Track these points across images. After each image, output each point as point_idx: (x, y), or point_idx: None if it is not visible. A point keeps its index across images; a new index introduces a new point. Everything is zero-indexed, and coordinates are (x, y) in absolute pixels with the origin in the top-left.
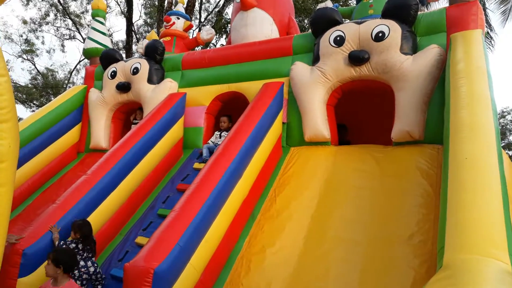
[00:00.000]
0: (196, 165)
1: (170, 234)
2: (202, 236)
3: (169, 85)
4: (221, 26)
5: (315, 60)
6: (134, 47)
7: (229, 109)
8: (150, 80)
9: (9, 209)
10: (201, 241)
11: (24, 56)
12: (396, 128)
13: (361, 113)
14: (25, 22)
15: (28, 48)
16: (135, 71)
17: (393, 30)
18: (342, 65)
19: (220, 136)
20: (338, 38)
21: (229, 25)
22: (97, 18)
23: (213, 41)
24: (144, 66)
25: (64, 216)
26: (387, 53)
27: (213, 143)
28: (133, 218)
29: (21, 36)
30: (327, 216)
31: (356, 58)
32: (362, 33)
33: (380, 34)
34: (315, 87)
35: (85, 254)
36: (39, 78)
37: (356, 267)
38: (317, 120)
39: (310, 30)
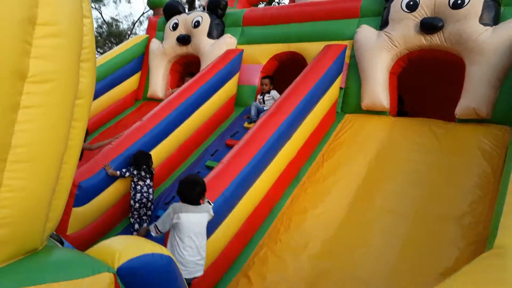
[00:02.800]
0: (246, 124)
1: (216, 184)
2: (246, 190)
3: (228, 41)
4: None
5: (383, 24)
6: (196, 2)
7: (286, 70)
8: (210, 35)
9: (82, 142)
10: (245, 194)
11: (93, 5)
12: (462, 103)
13: (424, 84)
14: None
15: None
16: (196, 24)
17: None
18: (412, 32)
19: (264, 101)
20: (411, 3)
21: None
22: None
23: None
24: (206, 20)
25: (117, 157)
26: (464, 22)
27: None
28: (182, 167)
29: None
30: (376, 186)
31: (429, 26)
32: None
33: (459, 1)
34: (380, 53)
35: (147, 181)
36: (104, 27)
37: (398, 240)
38: (378, 88)
39: None
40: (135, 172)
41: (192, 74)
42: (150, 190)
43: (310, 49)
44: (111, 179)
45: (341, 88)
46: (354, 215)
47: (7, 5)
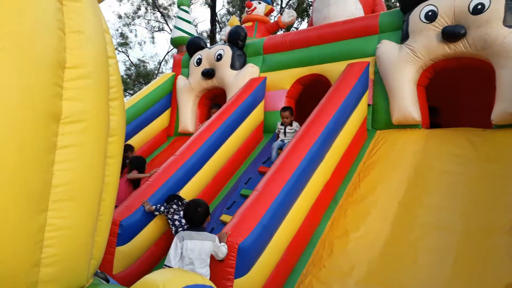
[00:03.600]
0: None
1: (253, 212)
2: (284, 216)
3: (251, 70)
4: (302, 9)
5: (404, 38)
6: (217, 36)
7: (310, 93)
8: (233, 66)
9: (118, 179)
10: (283, 221)
11: (119, 48)
12: (497, 109)
13: (455, 94)
14: (120, 16)
15: (123, 41)
16: (219, 57)
17: (495, 1)
18: (434, 42)
19: (285, 133)
20: (430, 13)
21: (310, 7)
22: (182, 7)
23: (295, 25)
24: (227, 53)
25: (155, 193)
26: (487, 27)
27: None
28: (218, 198)
29: (117, 30)
30: (416, 202)
31: (451, 34)
32: (457, 6)
33: (479, 6)
34: (404, 66)
35: (181, 213)
36: (132, 69)
37: (448, 256)
38: (406, 102)
39: (398, 6)
40: (164, 206)
41: (218, 106)
42: (181, 214)
43: (333, 69)
44: (151, 215)
45: (369, 105)
46: (398, 234)
47: (39, 51)
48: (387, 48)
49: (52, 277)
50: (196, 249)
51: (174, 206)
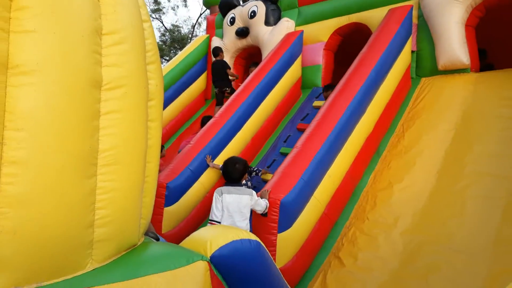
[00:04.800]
0: (316, 103)
1: (293, 169)
2: (325, 172)
3: (286, 25)
4: None
5: None
6: None
7: (350, 43)
8: (267, 22)
9: (160, 141)
10: (324, 176)
11: (153, 15)
12: None
13: (508, 33)
14: None
15: (156, 7)
16: (253, 14)
17: None
18: None
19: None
20: None
21: None
22: None
23: None
24: (261, 9)
25: (197, 155)
26: None
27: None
28: (258, 157)
29: None
30: (465, 150)
31: None
32: None
33: None
34: (451, 6)
35: None
36: (167, 34)
37: (498, 204)
38: (454, 44)
39: None
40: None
41: (256, 64)
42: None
43: (374, 17)
44: (195, 177)
45: (412, 51)
46: (444, 184)
47: (76, 20)
48: None
49: (106, 237)
50: (235, 203)
51: None
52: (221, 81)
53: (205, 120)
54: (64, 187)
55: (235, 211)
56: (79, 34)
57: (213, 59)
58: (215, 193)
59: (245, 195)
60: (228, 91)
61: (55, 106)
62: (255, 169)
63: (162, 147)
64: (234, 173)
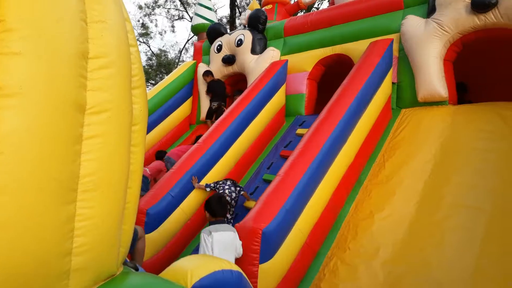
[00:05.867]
0: (299, 131)
1: (276, 198)
2: (307, 200)
3: (272, 54)
4: None
5: (430, 11)
6: (237, 21)
7: (332, 74)
8: (253, 51)
9: (142, 167)
10: (306, 205)
11: (141, 39)
12: None
13: (484, 67)
14: (140, 7)
15: (144, 31)
16: (239, 43)
17: None
18: (463, 14)
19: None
20: None
21: None
22: None
23: (316, 5)
24: (248, 37)
25: (179, 181)
26: None
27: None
28: (241, 183)
29: (138, 21)
30: (444, 181)
31: (481, 5)
32: None
33: None
34: (430, 41)
35: (228, 182)
36: (154, 58)
37: (476, 235)
38: (433, 78)
39: None
40: (214, 183)
41: (240, 92)
42: (232, 188)
43: (356, 48)
44: (177, 202)
45: (393, 83)
46: (423, 214)
47: (63, 43)
48: (413, 23)
49: (84, 265)
50: (224, 241)
51: (220, 182)
52: (223, 98)
53: (158, 155)
54: (42, 213)
55: (226, 248)
56: (65, 58)
57: (205, 80)
58: (202, 234)
59: (231, 231)
60: (216, 106)
61: (36, 130)
62: (241, 188)
63: None
64: (220, 210)
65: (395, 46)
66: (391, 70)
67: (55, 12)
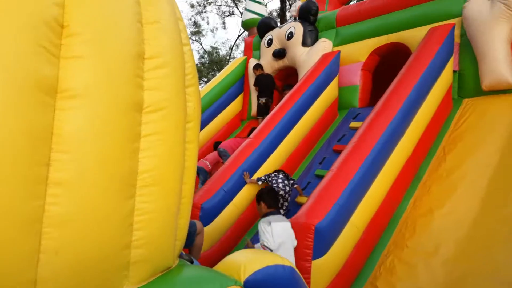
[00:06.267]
0: (353, 124)
1: (329, 193)
2: (362, 196)
3: (323, 45)
4: None
5: None
6: (287, 14)
7: (389, 64)
8: (304, 43)
9: (196, 163)
10: (361, 200)
11: (193, 37)
12: None
13: None
14: (192, 6)
15: (196, 29)
16: (290, 36)
17: None
18: None
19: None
20: None
21: None
22: None
23: None
24: (298, 30)
25: (231, 176)
26: None
27: None
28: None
29: (190, 19)
30: (511, 176)
31: None
32: None
33: None
34: (496, 24)
35: (280, 175)
36: (206, 56)
37: None
38: (500, 64)
39: None
40: (266, 175)
41: (290, 86)
42: (286, 182)
43: (414, 36)
44: (229, 198)
45: (454, 71)
46: (488, 211)
47: (121, 45)
48: (477, 5)
49: (143, 258)
50: (285, 231)
51: (272, 174)
52: (270, 92)
53: (216, 145)
54: (106, 208)
55: (285, 238)
56: (124, 59)
57: (254, 73)
58: (260, 224)
59: (287, 222)
60: (264, 101)
61: (99, 129)
62: (294, 181)
63: None
64: (274, 201)
65: (457, 32)
66: (452, 57)
67: (114, 15)
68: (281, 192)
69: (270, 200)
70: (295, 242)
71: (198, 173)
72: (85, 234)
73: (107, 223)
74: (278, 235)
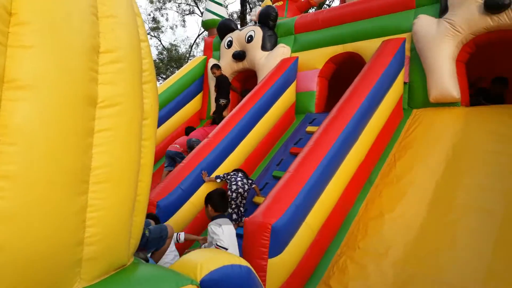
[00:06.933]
0: (309, 128)
1: (286, 193)
2: (317, 197)
3: (282, 51)
4: None
5: (442, 11)
6: (248, 17)
7: (344, 73)
8: (263, 47)
9: (153, 161)
10: (316, 201)
11: (152, 33)
12: None
13: (494, 69)
14: (151, 1)
15: (155, 25)
16: (250, 39)
17: None
18: (475, 14)
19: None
20: None
21: None
22: None
23: (327, 2)
24: (258, 34)
25: (189, 175)
26: None
27: None
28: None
29: (149, 15)
30: (455, 183)
31: (494, 5)
32: None
33: None
34: (442, 41)
35: (239, 174)
36: (164, 53)
37: (489, 237)
38: (445, 78)
39: None
40: (225, 174)
41: (247, 91)
42: (245, 180)
43: (367, 47)
44: (187, 196)
45: (405, 83)
46: (435, 215)
47: (74, 38)
48: (425, 23)
49: (95, 255)
50: (231, 234)
51: (231, 173)
52: (228, 95)
53: (188, 130)
54: (54, 203)
55: (233, 241)
56: (77, 52)
57: (213, 73)
58: (211, 226)
59: (232, 225)
60: (225, 102)
61: (49, 122)
62: (253, 181)
63: None
64: (223, 205)
65: (407, 46)
66: (403, 69)
67: (66, 5)
68: (240, 190)
69: (217, 204)
70: (237, 248)
71: (172, 158)
72: (32, 229)
73: (56, 219)
74: (228, 237)
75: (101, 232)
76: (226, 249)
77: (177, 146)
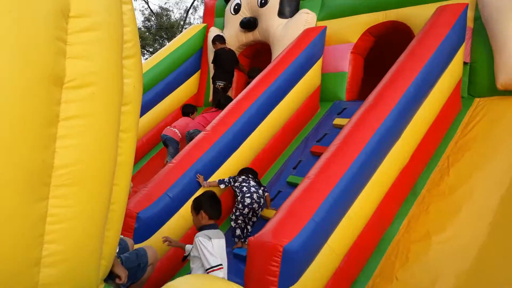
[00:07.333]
0: (337, 121)
1: (303, 206)
2: (344, 212)
3: (305, 18)
4: None
5: None
6: None
7: (384, 48)
8: (281, 13)
9: (133, 159)
10: (343, 218)
11: None
12: None
13: None
14: None
15: None
16: (263, 2)
17: None
18: None
19: None
20: None
21: None
22: None
23: None
24: None
25: (179, 179)
26: None
27: None
28: None
29: None
30: None
31: None
32: None
33: None
34: None
35: (251, 182)
36: (153, 19)
37: None
38: None
39: None
40: (229, 179)
41: (259, 70)
42: (260, 192)
43: (418, 15)
44: (176, 206)
45: (465, 63)
46: (499, 237)
47: None
48: None
49: (55, 280)
50: (222, 248)
51: (243, 176)
52: (230, 75)
53: (186, 109)
54: (5, 211)
55: (223, 258)
56: (40, 16)
57: (214, 47)
58: (200, 238)
59: (223, 239)
60: (223, 85)
61: (1, 107)
62: (265, 188)
63: None
64: (217, 211)
65: (470, 14)
66: (463, 46)
67: None
68: (255, 206)
69: (212, 210)
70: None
71: (166, 144)
72: None
73: (6, 232)
74: (219, 254)
75: (64, 251)
76: (221, 264)
77: (176, 130)
